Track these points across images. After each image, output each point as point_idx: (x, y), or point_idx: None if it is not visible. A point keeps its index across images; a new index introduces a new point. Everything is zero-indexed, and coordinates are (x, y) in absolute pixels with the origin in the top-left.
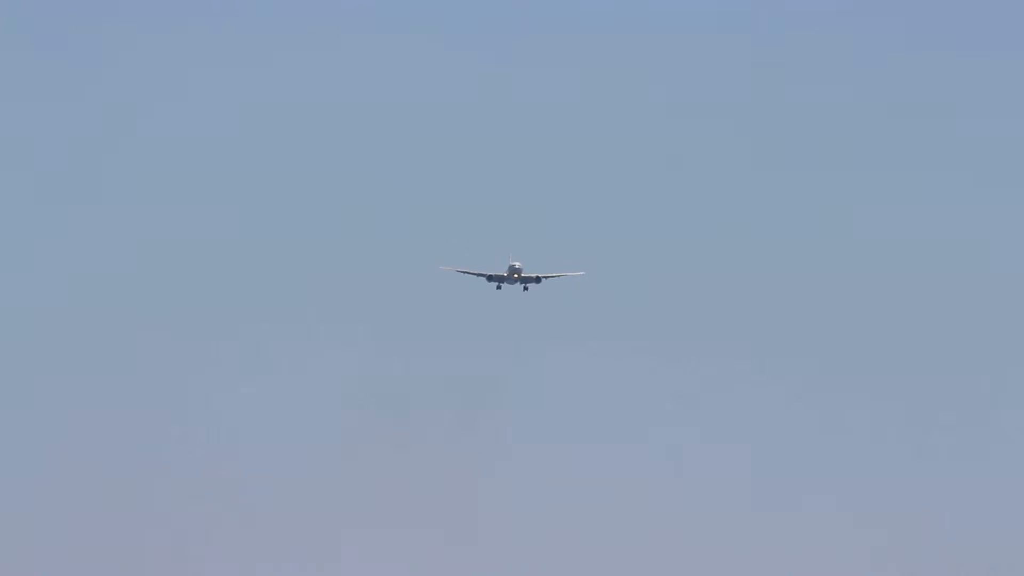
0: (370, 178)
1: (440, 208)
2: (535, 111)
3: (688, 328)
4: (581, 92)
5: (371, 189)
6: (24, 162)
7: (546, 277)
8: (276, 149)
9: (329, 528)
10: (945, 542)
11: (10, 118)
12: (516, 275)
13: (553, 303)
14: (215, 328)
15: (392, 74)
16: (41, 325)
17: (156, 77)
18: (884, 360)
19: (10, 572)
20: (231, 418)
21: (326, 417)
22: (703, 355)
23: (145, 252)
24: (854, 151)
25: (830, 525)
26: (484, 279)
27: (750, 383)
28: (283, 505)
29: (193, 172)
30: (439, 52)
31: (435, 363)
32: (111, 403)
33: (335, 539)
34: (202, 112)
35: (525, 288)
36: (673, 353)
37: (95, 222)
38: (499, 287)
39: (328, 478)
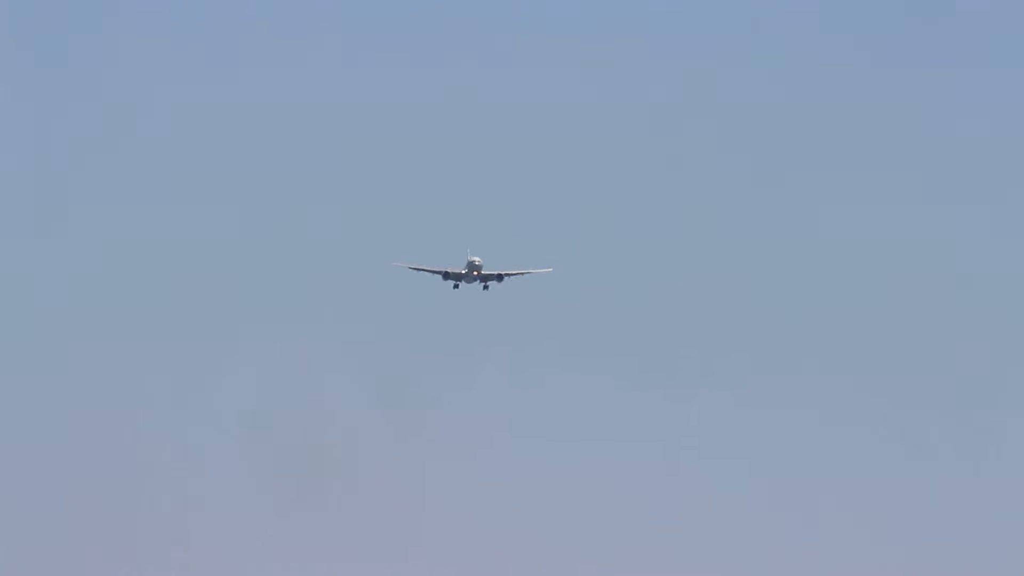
0: (316, 174)
1: (394, 203)
2: (503, 109)
3: (660, 330)
4: (548, 90)
5: (317, 184)
6: (23, 161)
7: (509, 275)
8: (220, 150)
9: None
10: (943, 542)
11: (9, 117)
12: (475, 272)
13: (516, 304)
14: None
15: (362, 72)
16: (37, 323)
17: (154, 77)
18: (883, 359)
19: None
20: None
21: (273, 423)
22: (676, 359)
23: (142, 252)
24: (852, 153)
25: (821, 526)
26: (440, 277)
27: (723, 387)
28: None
29: (185, 171)
30: (434, 49)
31: (383, 369)
32: (110, 402)
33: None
34: (194, 111)
35: (485, 287)
36: (643, 357)
37: (91, 220)
38: (456, 286)
39: (270, 486)
